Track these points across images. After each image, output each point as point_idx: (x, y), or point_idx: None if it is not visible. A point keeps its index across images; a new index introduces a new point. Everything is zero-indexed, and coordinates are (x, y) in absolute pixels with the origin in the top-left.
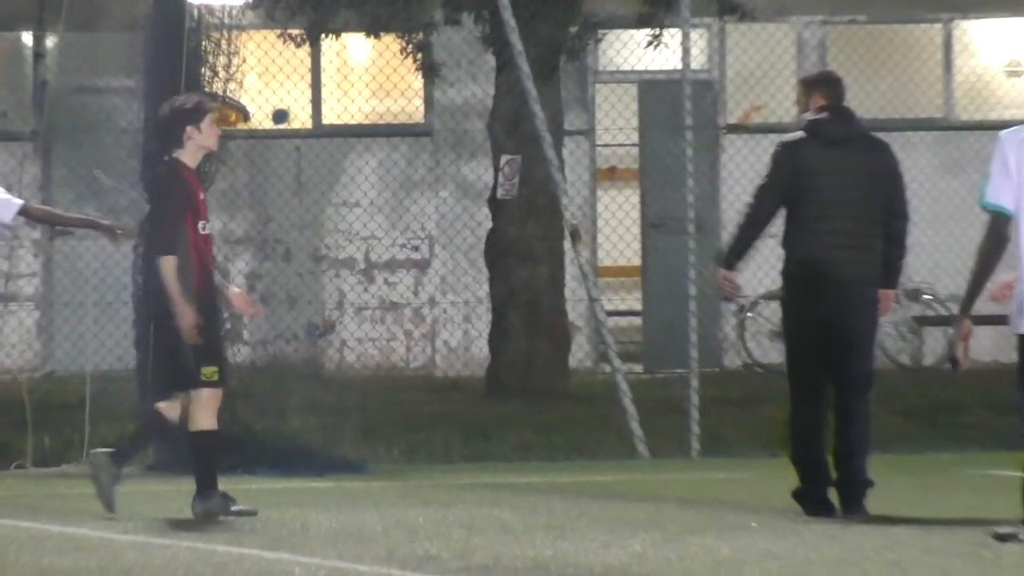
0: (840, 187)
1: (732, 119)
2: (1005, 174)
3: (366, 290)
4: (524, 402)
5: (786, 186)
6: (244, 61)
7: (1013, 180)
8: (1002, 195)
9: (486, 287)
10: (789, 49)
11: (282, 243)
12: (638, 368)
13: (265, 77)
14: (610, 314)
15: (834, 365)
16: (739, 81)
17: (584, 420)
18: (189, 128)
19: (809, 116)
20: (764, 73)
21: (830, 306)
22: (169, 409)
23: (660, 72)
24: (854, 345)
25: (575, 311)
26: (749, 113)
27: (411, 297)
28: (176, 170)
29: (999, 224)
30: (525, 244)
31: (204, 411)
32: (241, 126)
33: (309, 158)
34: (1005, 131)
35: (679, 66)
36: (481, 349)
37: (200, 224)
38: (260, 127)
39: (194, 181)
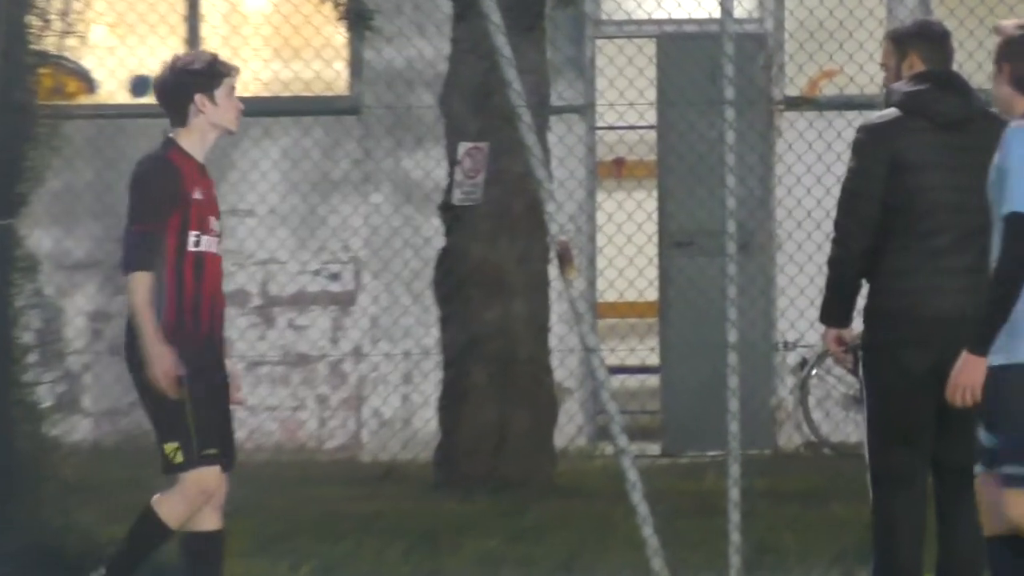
0: (954, 187)
1: (793, 90)
2: None
3: (262, 337)
4: (491, 497)
5: (879, 187)
6: (89, 6)
7: None
8: None
9: (436, 332)
10: None
11: None
12: (654, 449)
13: (120, 30)
14: (614, 371)
15: (939, 444)
16: (803, 35)
17: (577, 523)
18: (199, 98)
19: (903, 86)
20: (840, 24)
21: (937, 358)
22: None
23: (689, 22)
24: (970, 414)
25: (564, 366)
26: (818, 81)
27: (328, 347)
28: (164, 154)
29: None
30: (493, 270)
31: (176, 502)
32: (84, 99)
33: None
34: None
35: (716, 14)
36: (428, 422)
37: (192, 236)
38: (112, 101)
39: (191, 173)
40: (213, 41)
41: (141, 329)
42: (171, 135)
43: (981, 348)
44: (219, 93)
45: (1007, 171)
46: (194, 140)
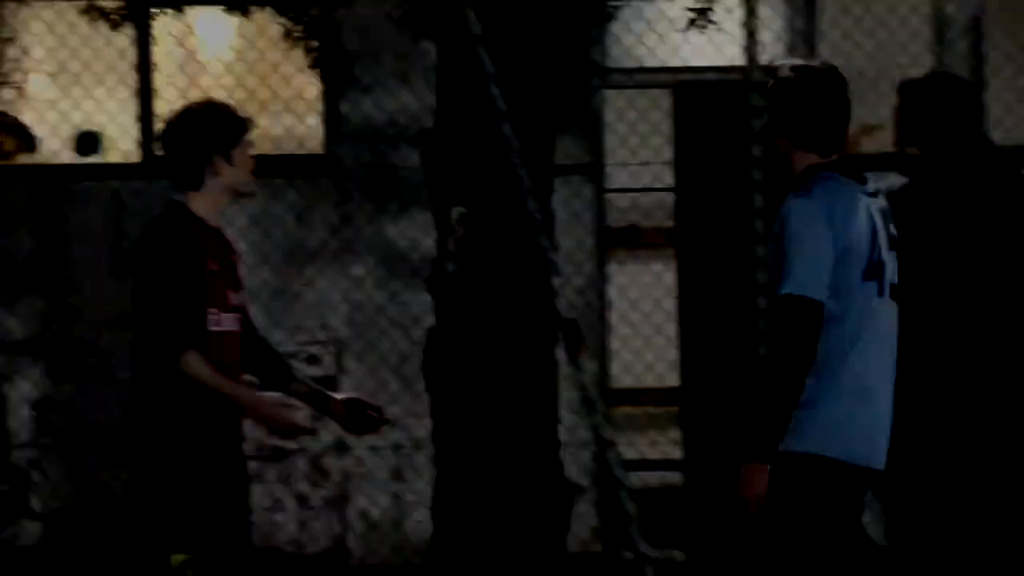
0: (984, 272)
1: None
2: None
3: None
4: None
5: None
6: (26, 53)
7: None
8: None
9: (428, 422)
10: (923, 32)
11: (94, 349)
12: (679, 555)
13: (62, 80)
14: (632, 466)
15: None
16: None
17: None
18: (216, 159)
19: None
20: (881, 70)
21: (968, 482)
22: None
23: (710, 69)
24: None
25: (576, 460)
26: (857, 137)
27: (307, 439)
28: (180, 221)
29: None
30: (491, 351)
31: None
32: (23, 159)
33: (136, 211)
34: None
35: (740, 60)
36: (420, 522)
37: (212, 316)
38: (55, 161)
39: (213, 243)
40: (168, 93)
41: (239, 400)
42: (178, 198)
43: (761, 456)
44: (236, 152)
45: (784, 248)
46: (208, 204)
